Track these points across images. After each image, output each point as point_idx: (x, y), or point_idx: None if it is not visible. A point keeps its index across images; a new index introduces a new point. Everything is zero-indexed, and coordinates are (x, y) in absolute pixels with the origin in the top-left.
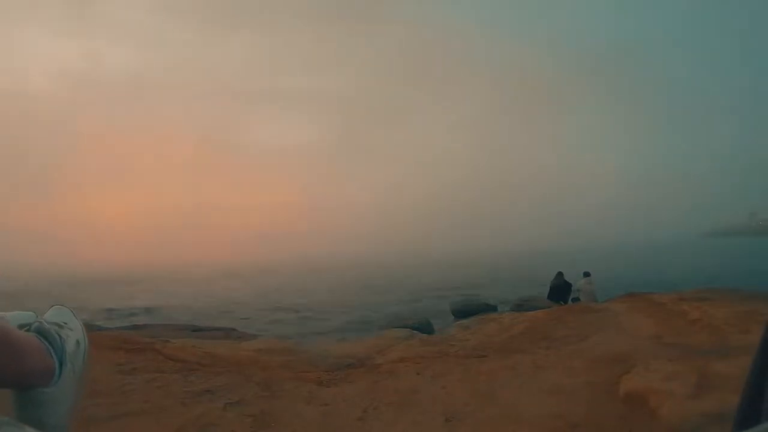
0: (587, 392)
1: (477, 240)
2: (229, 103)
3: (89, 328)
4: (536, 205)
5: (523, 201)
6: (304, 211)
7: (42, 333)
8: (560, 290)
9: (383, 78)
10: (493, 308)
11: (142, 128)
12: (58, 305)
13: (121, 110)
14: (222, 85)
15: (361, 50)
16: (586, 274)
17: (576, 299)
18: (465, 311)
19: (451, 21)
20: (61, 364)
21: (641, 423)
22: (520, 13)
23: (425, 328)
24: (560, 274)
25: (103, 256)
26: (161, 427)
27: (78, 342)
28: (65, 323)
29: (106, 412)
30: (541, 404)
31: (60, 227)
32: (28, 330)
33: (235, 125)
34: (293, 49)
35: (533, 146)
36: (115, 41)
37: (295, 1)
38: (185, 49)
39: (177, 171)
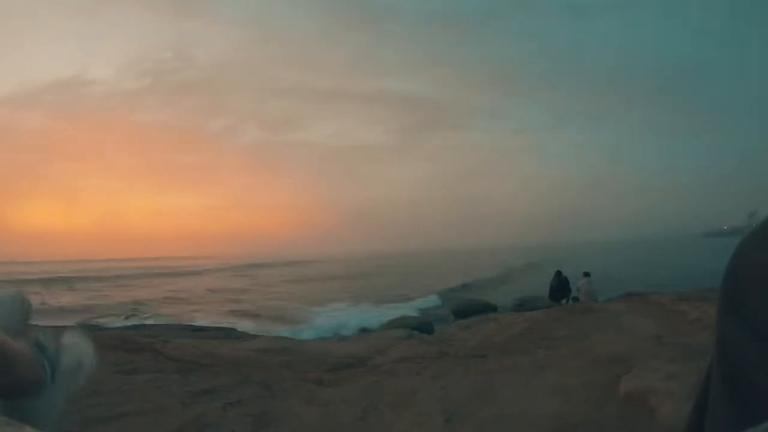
0: (587, 392)
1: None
2: (301, 101)
3: (90, 328)
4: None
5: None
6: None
7: (40, 347)
8: (559, 290)
9: (470, 84)
10: (493, 308)
11: (206, 120)
12: (73, 328)
13: (190, 99)
14: (298, 82)
15: (457, 56)
16: (586, 274)
17: (576, 299)
18: (465, 311)
19: (559, 34)
20: (53, 379)
21: (641, 423)
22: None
23: (425, 328)
24: (559, 273)
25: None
26: (161, 427)
27: (80, 363)
28: (72, 344)
29: (106, 412)
30: (541, 404)
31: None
32: (24, 337)
33: (300, 122)
34: (387, 50)
35: (582, 152)
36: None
37: (417, 4)
38: (273, 41)
39: (237, 167)
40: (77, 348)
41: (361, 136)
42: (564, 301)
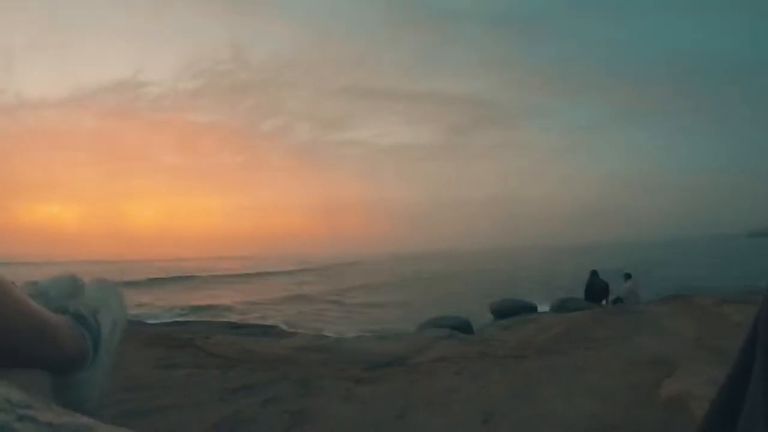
0: (627, 395)
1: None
2: (353, 101)
3: (132, 323)
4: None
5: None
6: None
7: (78, 317)
8: (596, 290)
9: (519, 84)
10: (532, 308)
11: (259, 120)
12: (101, 278)
13: (244, 99)
14: (353, 82)
15: (509, 57)
16: (628, 276)
17: (618, 300)
18: (504, 311)
19: (607, 33)
20: (96, 349)
21: (681, 428)
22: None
23: (464, 327)
24: (594, 273)
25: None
26: (199, 421)
27: (114, 322)
28: (103, 302)
29: (145, 406)
30: (580, 406)
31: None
32: (64, 313)
33: (352, 122)
34: (442, 52)
35: (628, 151)
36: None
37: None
38: (331, 40)
39: (288, 167)
40: (110, 306)
41: (410, 135)
42: (603, 302)
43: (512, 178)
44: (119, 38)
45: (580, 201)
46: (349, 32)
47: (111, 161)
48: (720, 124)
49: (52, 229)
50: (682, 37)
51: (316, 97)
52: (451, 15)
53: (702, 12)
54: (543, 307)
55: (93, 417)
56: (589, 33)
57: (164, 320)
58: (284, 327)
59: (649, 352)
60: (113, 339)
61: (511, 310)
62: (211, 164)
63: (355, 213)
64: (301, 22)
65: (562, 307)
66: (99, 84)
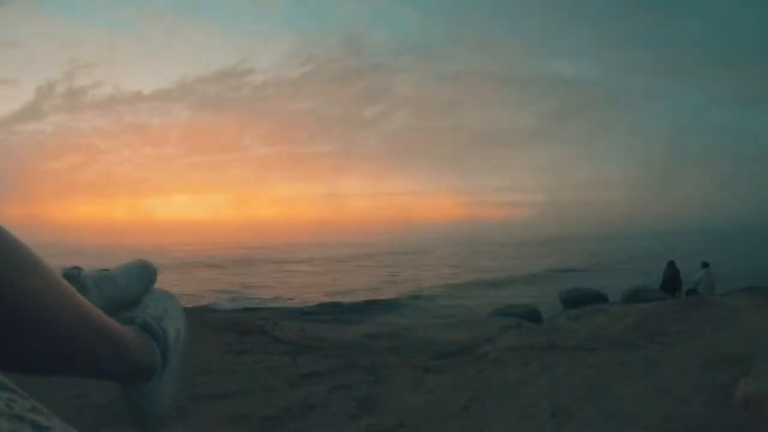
0: (701, 395)
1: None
2: (460, 85)
3: (203, 310)
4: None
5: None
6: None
7: (146, 328)
8: (673, 281)
9: (628, 65)
10: (603, 298)
11: (362, 106)
12: (161, 290)
13: (349, 85)
14: (465, 65)
15: (621, 37)
16: (705, 265)
17: (693, 291)
18: (574, 300)
19: (722, 13)
20: (164, 359)
21: None
22: None
23: (533, 316)
24: (672, 263)
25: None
26: (267, 406)
27: (178, 330)
28: (166, 310)
29: (215, 390)
30: (651, 404)
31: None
32: (132, 323)
33: (454, 107)
34: (557, 32)
35: (738, 134)
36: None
37: None
38: (450, 22)
39: (386, 153)
40: (172, 315)
41: (510, 119)
42: (677, 293)
43: (607, 163)
44: (227, 25)
45: (681, 185)
46: (465, 14)
47: (205, 153)
48: None
49: (160, 222)
50: None
51: (424, 83)
52: None
53: None
54: (614, 297)
55: (160, 425)
56: (704, 11)
57: (236, 306)
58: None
59: (725, 349)
60: (177, 347)
61: (581, 300)
62: (303, 153)
63: (431, 202)
64: (422, 5)
65: (633, 297)
66: (201, 73)
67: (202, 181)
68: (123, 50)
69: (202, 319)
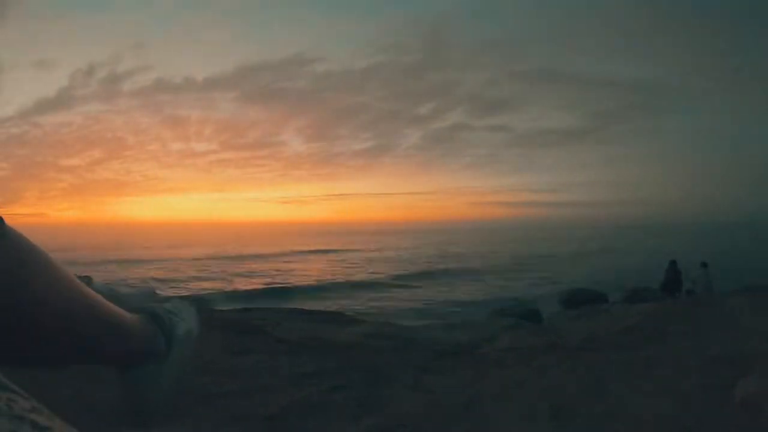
0: (701, 394)
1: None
2: (513, 83)
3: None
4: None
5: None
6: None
7: (153, 316)
8: (674, 281)
9: (674, 67)
10: (603, 298)
11: (417, 101)
12: (179, 299)
13: (408, 80)
14: (526, 64)
15: (668, 40)
16: (704, 265)
17: (691, 291)
18: (573, 300)
19: None
20: (168, 346)
21: None
22: None
23: (533, 316)
24: (673, 263)
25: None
26: (267, 406)
27: (189, 331)
28: (181, 311)
29: (214, 390)
30: (651, 404)
31: None
32: (140, 313)
33: (503, 106)
34: (607, 32)
35: None
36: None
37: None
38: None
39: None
40: (185, 318)
41: (554, 120)
42: (677, 294)
43: (656, 163)
44: (304, 6)
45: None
46: (531, 15)
47: (245, 147)
48: None
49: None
50: None
51: (485, 79)
52: None
53: None
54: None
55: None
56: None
57: (235, 306)
58: (351, 313)
59: (725, 350)
60: (186, 345)
61: (580, 300)
62: (342, 149)
63: (470, 200)
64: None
65: (633, 297)
66: (264, 60)
67: (229, 179)
68: (179, 33)
69: (202, 318)
